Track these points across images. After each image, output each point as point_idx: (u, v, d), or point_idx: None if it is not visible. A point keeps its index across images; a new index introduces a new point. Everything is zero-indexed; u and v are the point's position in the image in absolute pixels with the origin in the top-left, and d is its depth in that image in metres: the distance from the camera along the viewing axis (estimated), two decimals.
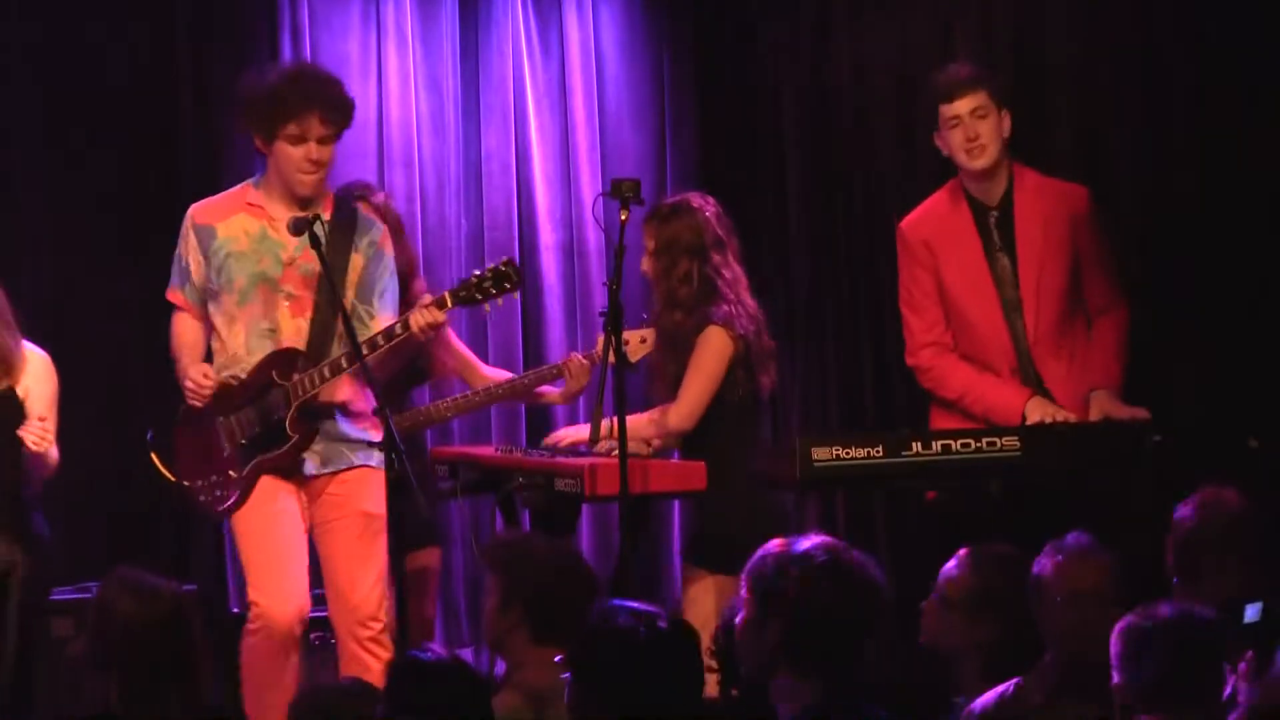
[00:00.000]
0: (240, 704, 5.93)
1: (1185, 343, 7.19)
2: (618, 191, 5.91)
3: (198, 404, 5.83)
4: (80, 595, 6.39)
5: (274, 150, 5.83)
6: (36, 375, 6.05)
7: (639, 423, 6.08)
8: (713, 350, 6.17)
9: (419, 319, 5.72)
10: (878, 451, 5.90)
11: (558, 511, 6.11)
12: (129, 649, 4.49)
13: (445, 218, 7.72)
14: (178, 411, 5.96)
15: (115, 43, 7.33)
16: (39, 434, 5.84)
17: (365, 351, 5.65)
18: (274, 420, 5.80)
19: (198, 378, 5.81)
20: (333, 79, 5.96)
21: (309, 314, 5.83)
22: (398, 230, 6.48)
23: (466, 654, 7.31)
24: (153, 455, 5.96)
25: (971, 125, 6.26)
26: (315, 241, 5.65)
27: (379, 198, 6.54)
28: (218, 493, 5.87)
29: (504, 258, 5.85)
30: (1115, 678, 4.21)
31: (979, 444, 5.93)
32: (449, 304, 5.77)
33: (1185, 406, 6.58)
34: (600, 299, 6.91)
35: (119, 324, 7.11)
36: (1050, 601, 4.66)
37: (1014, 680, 4.72)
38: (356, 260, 5.88)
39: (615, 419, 5.77)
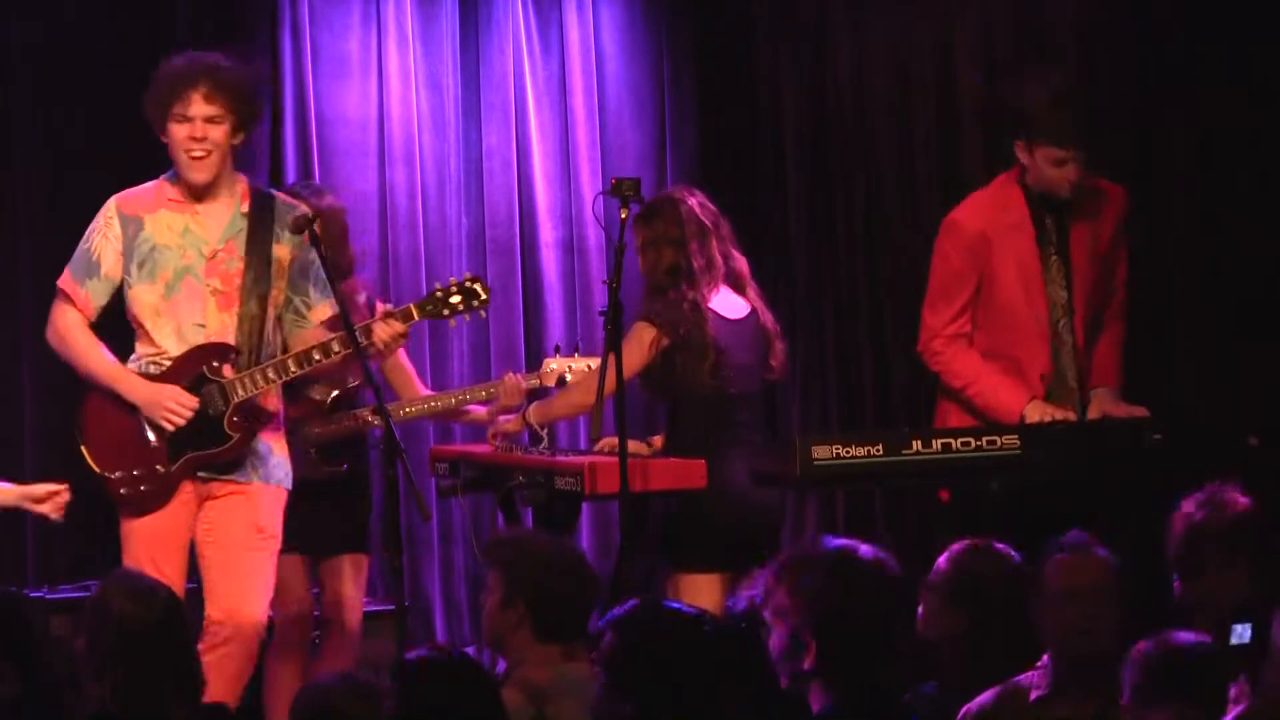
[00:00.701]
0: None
1: (1185, 343, 7.19)
2: (618, 190, 5.91)
3: (177, 426, 5.65)
4: (80, 594, 6.37)
5: (167, 135, 5.72)
6: None
7: (565, 392, 6.19)
8: (631, 342, 6.13)
9: (382, 331, 5.62)
10: (878, 450, 5.89)
11: (558, 510, 6.11)
12: (124, 649, 4.49)
13: (446, 215, 7.72)
14: (84, 398, 5.77)
15: (115, 43, 7.34)
16: (59, 507, 5.68)
17: (318, 356, 5.61)
18: (208, 417, 5.65)
19: (176, 406, 5.62)
20: (226, 61, 5.77)
21: (235, 309, 5.69)
22: (341, 232, 6.45)
23: (469, 651, 7.33)
24: (82, 447, 5.73)
25: (1075, 168, 6.20)
26: (315, 241, 5.64)
27: (326, 200, 6.47)
28: (142, 487, 5.68)
29: (469, 274, 5.78)
30: (1126, 698, 4.26)
31: (979, 443, 5.92)
32: (415, 316, 5.70)
33: (1185, 406, 6.57)
34: (600, 297, 6.92)
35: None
36: (1049, 600, 4.66)
37: (1013, 679, 4.72)
38: (280, 251, 5.75)
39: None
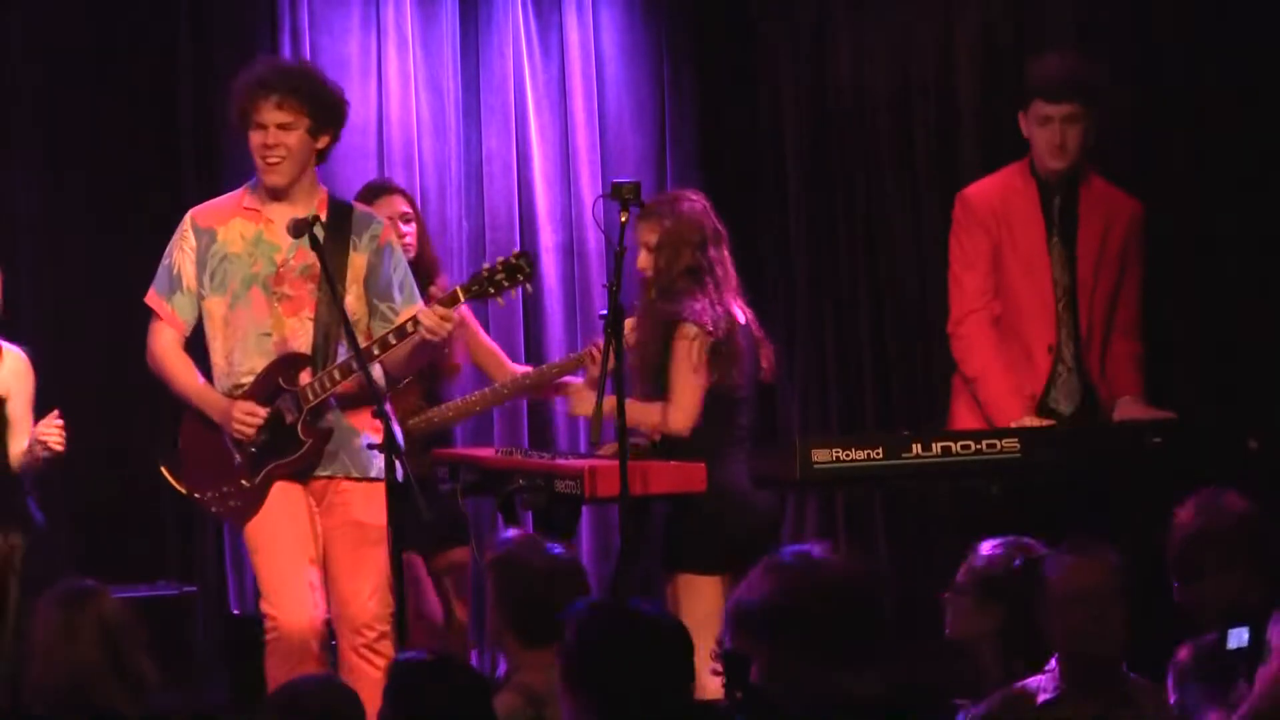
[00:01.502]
0: (236, 703, 5.94)
1: (1185, 343, 7.19)
2: (618, 193, 5.91)
3: (245, 440, 5.75)
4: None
5: (247, 139, 5.81)
6: (16, 374, 6.03)
7: (644, 410, 6.07)
8: (689, 348, 6.15)
9: (430, 317, 5.65)
10: (878, 453, 5.90)
11: (558, 513, 6.11)
12: (54, 652, 4.56)
13: (446, 219, 7.72)
14: (180, 421, 5.91)
15: (115, 44, 7.34)
16: (59, 433, 5.78)
17: (377, 351, 5.64)
18: (284, 426, 5.75)
19: (244, 418, 5.73)
20: (300, 68, 5.93)
21: (306, 313, 5.78)
22: (423, 231, 6.61)
23: (471, 655, 7.33)
24: (163, 470, 5.89)
25: (1060, 130, 6.32)
26: (315, 243, 5.65)
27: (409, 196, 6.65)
28: (232, 503, 5.80)
29: (515, 249, 5.83)
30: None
31: (979, 445, 5.93)
32: (461, 298, 5.71)
33: (1185, 406, 6.57)
34: (600, 300, 6.92)
35: (119, 323, 7.10)
36: (1054, 601, 4.66)
37: (1019, 681, 4.72)
38: (357, 259, 5.83)
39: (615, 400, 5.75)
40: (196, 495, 5.86)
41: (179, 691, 5.93)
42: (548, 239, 7.80)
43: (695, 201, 6.30)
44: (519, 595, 4.81)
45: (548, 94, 7.84)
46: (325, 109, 5.83)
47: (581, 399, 6.26)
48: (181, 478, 5.89)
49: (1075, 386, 6.36)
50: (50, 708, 4.53)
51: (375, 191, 6.68)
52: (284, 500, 5.78)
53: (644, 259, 6.31)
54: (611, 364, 5.80)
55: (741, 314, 6.26)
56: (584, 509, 6.52)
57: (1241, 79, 7.19)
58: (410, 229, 6.60)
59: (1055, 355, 6.35)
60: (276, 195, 5.83)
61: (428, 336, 5.66)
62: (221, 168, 7.15)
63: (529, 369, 6.73)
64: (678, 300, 6.17)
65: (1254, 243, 7.22)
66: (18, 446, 5.94)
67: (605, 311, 5.84)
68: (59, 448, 5.81)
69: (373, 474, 5.77)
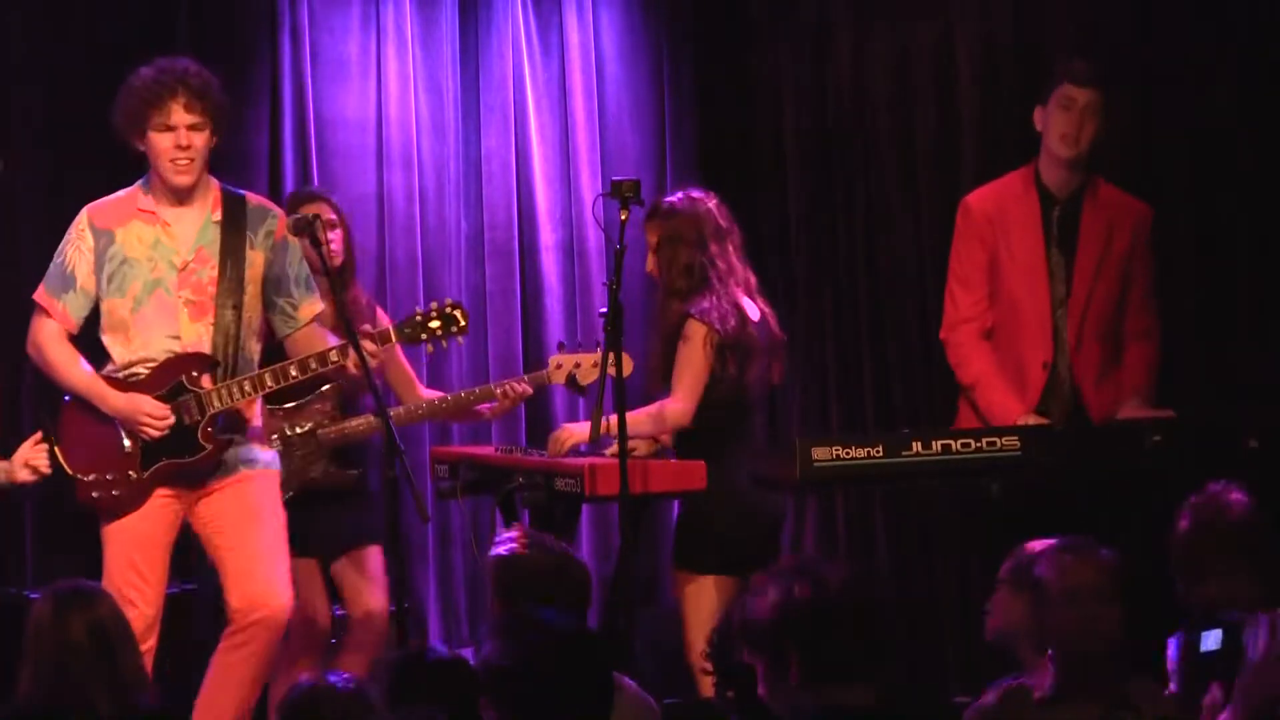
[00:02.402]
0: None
1: (1185, 342, 7.19)
2: (617, 192, 5.91)
3: (154, 437, 5.68)
4: None
5: (147, 144, 5.74)
6: None
7: (637, 419, 6.06)
8: (694, 342, 6.16)
9: (354, 353, 5.61)
10: (878, 452, 5.90)
11: (557, 512, 6.11)
12: (41, 651, 4.56)
13: (445, 218, 7.72)
14: (62, 401, 5.82)
15: (114, 44, 7.33)
16: (46, 458, 5.73)
17: (295, 373, 5.65)
18: (183, 426, 5.69)
19: (154, 416, 5.66)
20: (198, 69, 5.82)
21: (209, 319, 5.73)
22: (347, 238, 6.56)
23: (467, 653, 7.32)
24: (54, 446, 5.73)
25: (1079, 116, 6.34)
26: (315, 243, 5.65)
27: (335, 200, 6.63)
28: (113, 491, 5.71)
29: (449, 300, 5.81)
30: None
31: (979, 444, 5.93)
32: (392, 339, 5.74)
33: (1185, 406, 6.57)
34: (600, 299, 6.91)
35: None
36: (1050, 601, 4.66)
37: (1014, 678, 4.72)
38: (254, 256, 5.78)
39: (615, 417, 5.77)
40: (79, 476, 5.72)
41: (177, 690, 5.93)
42: (547, 238, 7.79)
43: (698, 200, 6.29)
44: (522, 592, 4.80)
45: (547, 93, 7.84)
46: (223, 110, 5.79)
47: (558, 441, 6.25)
48: (67, 459, 5.74)
49: (1066, 397, 6.36)
50: (41, 708, 4.53)
51: (302, 199, 6.64)
52: (157, 514, 5.72)
53: (650, 262, 6.32)
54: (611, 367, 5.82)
55: (756, 311, 6.26)
56: (583, 507, 6.52)
57: (1242, 78, 7.19)
58: (336, 235, 6.55)
59: (1050, 371, 6.35)
60: (173, 195, 5.77)
61: (348, 368, 5.67)
62: (218, 168, 7.13)
63: (441, 394, 6.70)
64: (684, 299, 6.17)
65: (1254, 243, 7.22)
66: None
67: (605, 309, 5.85)
68: (48, 471, 5.73)
69: (260, 467, 5.77)
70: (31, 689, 4.54)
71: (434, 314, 5.71)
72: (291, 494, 6.15)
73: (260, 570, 5.69)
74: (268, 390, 5.72)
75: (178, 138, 5.69)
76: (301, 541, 6.04)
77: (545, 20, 7.85)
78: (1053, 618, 4.64)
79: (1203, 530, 4.89)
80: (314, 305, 5.85)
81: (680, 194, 6.38)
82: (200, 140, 5.72)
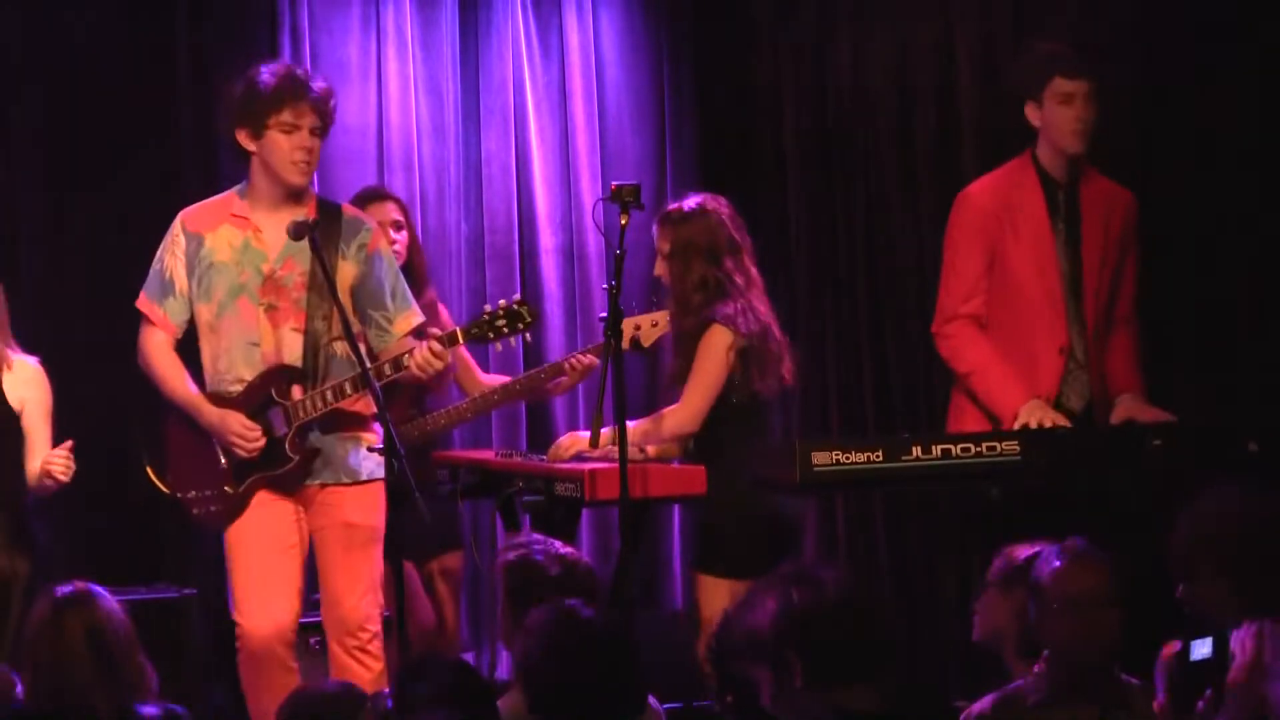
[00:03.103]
0: (238, 705, 5.95)
1: (1185, 344, 7.19)
2: (618, 196, 5.91)
3: (245, 456, 5.77)
4: None
5: (264, 142, 5.77)
6: (30, 384, 6.04)
7: (636, 428, 6.06)
8: (713, 350, 6.16)
9: (422, 354, 5.66)
10: (877, 456, 5.89)
11: (557, 516, 6.11)
12: (40, 652, 4.57)
13: (445, 221, 7.72)
14: (166, 419, 5.92)
15: (114, 45, 7.33)
16: (64, 465, 5.84)
17: (368, 378, 5.64)
18: (273, 439, 5.77)
19: (244, 434, 5.74)
20: (317, 78, 5.91)
21: (294, 325, 5.78)
22: (413, 239, 6.65)
23: (468, 657, 7.33)
24: (147, 469, 5.91)
25: (1084, 107, 6.30)
26: (315, 246, 5.66)
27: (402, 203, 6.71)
28: (212, 507, 5.83)
29: (516, 296, 5.82)
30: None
31: (979, 448, 5.92)
32: (460, 340, 5.74)
33: (1185, 408, 6.57)
34: (600, 302, 6.93)
35: (115, 326, 7.09)
36: (1048, 606, 4.66)
37: (1013, 683, 4.73)
38: (345, 268, 5.82)
39: (613, 429, 5.77)
40: (179, 495, 5.87)
41: (176, 695, 5.93)
42: (547, 241, 7.80)
43: (711, 211, 6.28)
44: (531, 596, 4.80)
45: (547, 96, 7.84)
46: (332, 119, 5.86)
47: (560, 449, 6.26)
48: (165, 477, 5.91)
49: (1084, 382, 6.35)
50: (40, 711, 4.54)
51: (368, 197, 6.68)
52: (266, 511, 5.81)
53: (660, 266, 6.32)
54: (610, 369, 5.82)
55: (769, 316, 6.27)
56: (583, 512, 6.52)
57: (1242, 78, 7.19)
58: (401, 236, 6.60)
59: (1067, 354, 6.34)
60: (269, 200, 5.81)
61: (417, 373, 5.69)
62: (220, 167, 7.14)
63: (504, 378, 6.72)
64: (700, 310, 6.17)
65: (1254, 243, 7.22)
66: (35, 463, 5.97)
67: (605, 314, 5.85)
68: (64, 478, 5.86)
69: (363, 477, 5.82)
70: (31, 692, 4.55)
71: (500, 313, 5.71)
72: None
73: (340, 591, 5.80)
74: (348, 398, 5.74)
75: (302, 139, 5.75)
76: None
77: (545, 23, 7.85)
78: (1051, 624, 4.65)
79: (1190, 537, 4.88)
80: (410, 319, 5.88)
81: (693, 201, 6.34)
82: (318, 146, 5.80)
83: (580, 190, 7.81)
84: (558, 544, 4.99)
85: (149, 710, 4.60)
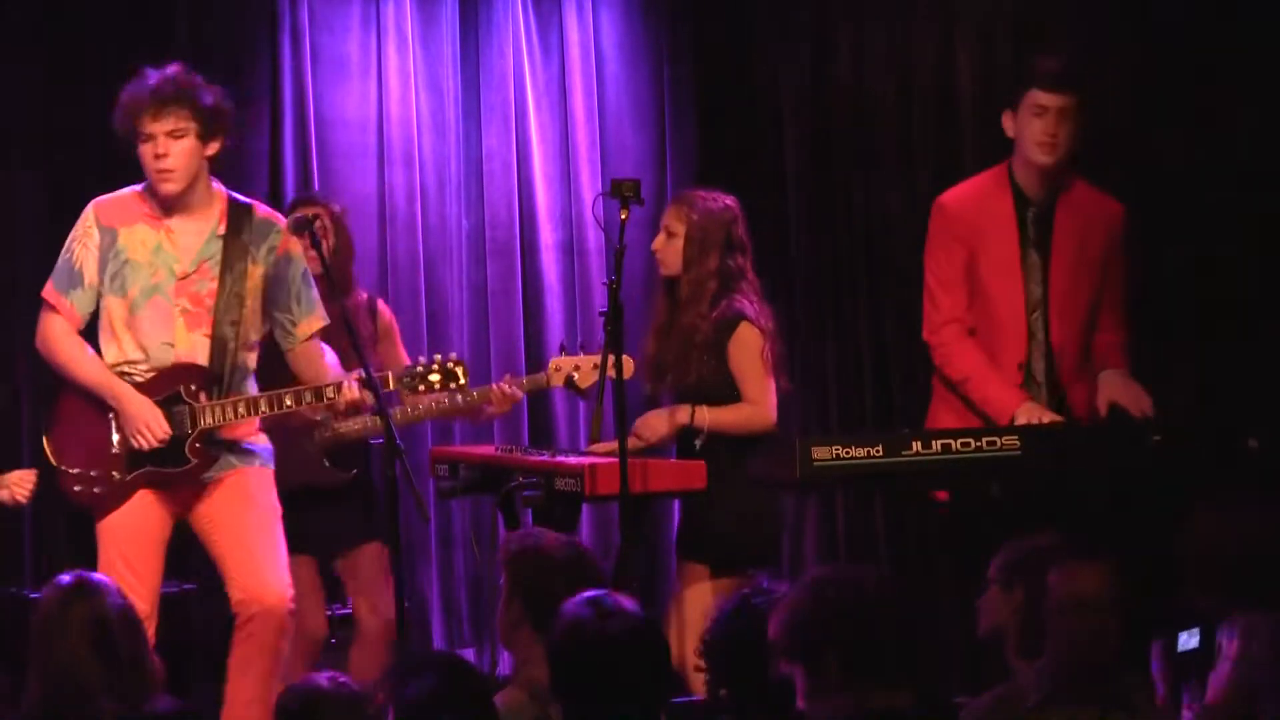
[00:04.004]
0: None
1: (1185, 343, 7.19)
2: (618, 191, 5.92)
3: (143, 448, 5.71)
4: None
5: (139, 154, 5.75)
6: None
7: (732, 417, 6.14)
8: (749, 347, 6.20)
9: (348, 393, 5.66)
10: (878, 451, 5.88)
11: (558, 511, 6.11)
12: (43, 648, 4.55)
13: (446, 217, 7.72)
14: (60, 393, 5.85)
15: (114, 45, 7.33)
16: (27, 491, 5.80)
17: (290, 403, 5.67)
18: (175, 436, 5.71)
19: (153, 428, 5.68)
20: (177, 74, 5.77)
21: (205, 330, 5.74)
22: (346, 246, 6.59)
23: (468, 654, 7.33)
24: (44, 440, 5.82)
25: (1055, 122, 6.27)
26: (315, 243, 5.65)
27: (335, 208, 6.64)
28: (95, 489, 5.75)
29: (453, 355, 5.81)
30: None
31: (979, 444, 5.91)
32: (390, 386, 5.75)
33: (1185, 406, 6.57)
34: (600, 298, 6.92)
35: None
36: (1049, 605, 4.65)
37: (1014, 681, 4.72)
38: (254, 271, 5.79)
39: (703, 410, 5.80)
40: (63, 467, 5.76)
41: (175, 691, 5.93)
42: (547, 237, 7.80)
43: (729, 207, 6.30)
44: (537, 588, 4.80)
45: (547, 93, 7.84)
46: (209, 115, 5.74)
47: (648, 427, 6.28)
48: (54, 449, 5.80)
49: (1043, 400, 6.33)
50: (45, 703, 4.52)
51: (296, 205, 6.67)
52: (146, 509, 5.75)
53: (660, 243, 6.29)
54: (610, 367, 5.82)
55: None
56: (584, 506, 6.52)
57: (1242, 77, 7.19)
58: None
59: (1025, 372, 6.33)
60: (178, 205, 5.77)
61: (341, 410, 5.72)
62: (220, 167, 7.13)
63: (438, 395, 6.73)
64: (715, 303, 6.17)
65: (1254, 243, 7.22)
66: None
67: (605, 309, 5.85)
68: (24, 500, 5.80)
69: (257, 464, 5.81)
70: (39, 685, 4.53)
71: (435, 368, 5.74)
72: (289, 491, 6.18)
73: (256, 563, 5.71)
74: (259, 415, 5.74)
75: (155, 147, 5.69)
76: (300, 540, 6.06)
77: (545, 19, 7.85)
78: (1055, 625, 4.64)
79: (1212, 538, 4.87)
80: (313, 322, 5.86)
81: (714, 193, 6.36)
82: (181, 148, 5.69)
83: (580, 186, 7.81)
84: (561, 535, 4.99)
85: (163, 705, 4.58)
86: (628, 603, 4.07)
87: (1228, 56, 7.21)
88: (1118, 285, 6.44)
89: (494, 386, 6.42)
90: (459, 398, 6.38)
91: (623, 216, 5.89)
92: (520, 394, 6.41)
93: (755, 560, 6.20)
